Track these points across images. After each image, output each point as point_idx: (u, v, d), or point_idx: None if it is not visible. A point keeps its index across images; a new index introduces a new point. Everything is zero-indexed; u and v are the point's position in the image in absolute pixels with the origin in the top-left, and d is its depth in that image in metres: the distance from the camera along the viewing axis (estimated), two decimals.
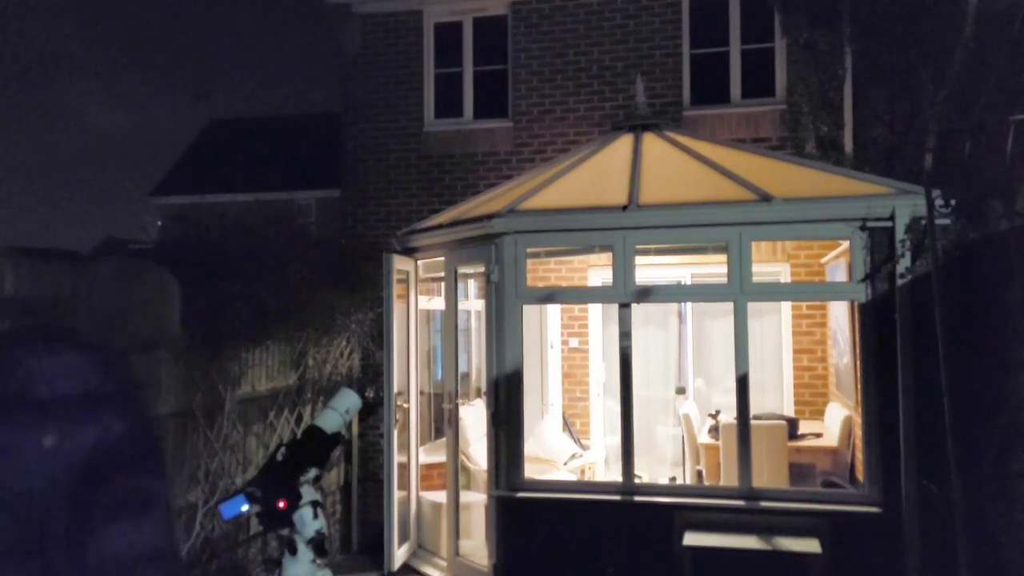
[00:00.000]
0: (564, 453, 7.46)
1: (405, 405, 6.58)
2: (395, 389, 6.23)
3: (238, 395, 5.74)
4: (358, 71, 8.78)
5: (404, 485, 6.61)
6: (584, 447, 7.86)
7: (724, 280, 5.41)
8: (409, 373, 6.67)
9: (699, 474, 7.31)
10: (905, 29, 6.41)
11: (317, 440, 3.02)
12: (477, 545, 6.17)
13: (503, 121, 8.41)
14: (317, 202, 22.25)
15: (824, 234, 5.60)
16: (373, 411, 7.26)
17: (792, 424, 7.00)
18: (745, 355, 5.31)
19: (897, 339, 4.99)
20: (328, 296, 6.44)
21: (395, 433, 6.19)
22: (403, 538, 6.48)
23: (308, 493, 2.95)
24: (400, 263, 6.54)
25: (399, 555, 6.28)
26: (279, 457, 3.01)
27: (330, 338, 6.87)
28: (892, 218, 5.02)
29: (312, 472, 2.99)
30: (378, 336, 6.96)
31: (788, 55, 7.75)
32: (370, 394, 7.12)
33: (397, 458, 6.38)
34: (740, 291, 5.31)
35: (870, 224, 5.09)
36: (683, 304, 8.51)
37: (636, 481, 5.59)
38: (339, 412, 3.12)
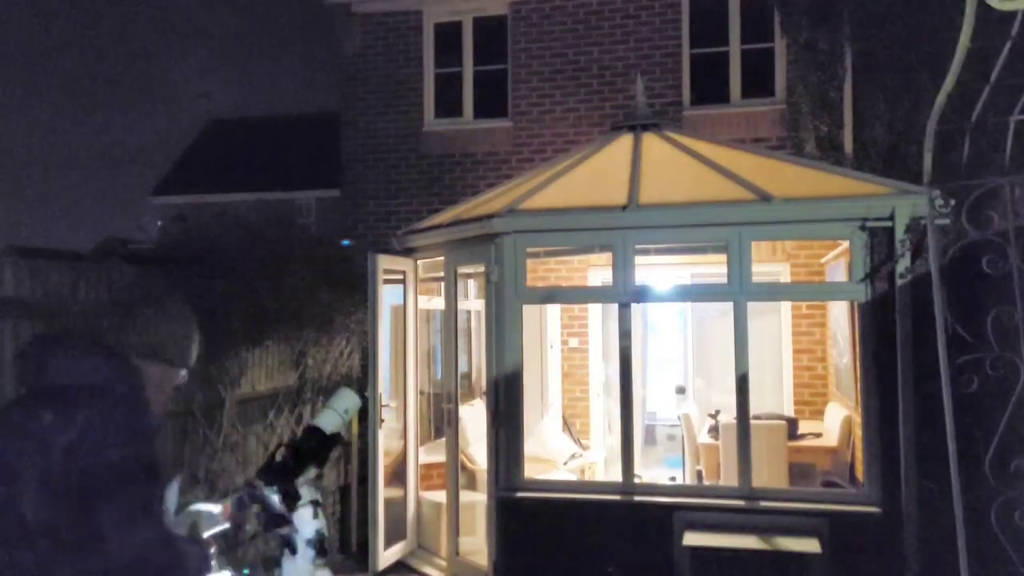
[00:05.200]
0: (564, 453, 7.46)
1: (392, 404, 6.58)
2: (379, 388, 6.21)
3: (238, 395, 5.75)
4: (358, 71, 8.78)
5: (403, 485, 6.61)
6: (584, 447, 7.86)
7: (724, 280, 5.40)
8: (407, 373, 6.67)
9: (699, 474, 7.31)
10: (905, 29, 6.42)
11: (316, 440, 3.02)
12: (477, 545, 6.17)
13: (503, 121, 8.41)
14: (317, 202, 22.27)
15: (824, 234, 5.60)
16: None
17: (792, 424, 7.00)
18: (745, 355, 5.31)
19: (897, 339, 4.98)
20: (328, 296, 6.44)
21: (380, 434, 6.18)
22: (398, 537, 6.48)
23: (308, 493, 2.95)
24: (395, 263, 6.53)
25: (389, 554, 6.27)
26: (278, 457, 3.01)
27: (330, 338, 6.87)
28: (892, 218, 5.02)
29: (312, 472, 2.99)
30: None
31: (788, 55, 7.76)
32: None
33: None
34: (740, 291, 5.30)
35: (870, 224, 5.09)
36: (683, 304, 8.51)
37: (636, 481, 5.58)
38: (338, 412, 3.11)
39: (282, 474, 2.92)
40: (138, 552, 1.96)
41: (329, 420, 3.08)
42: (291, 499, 2.85)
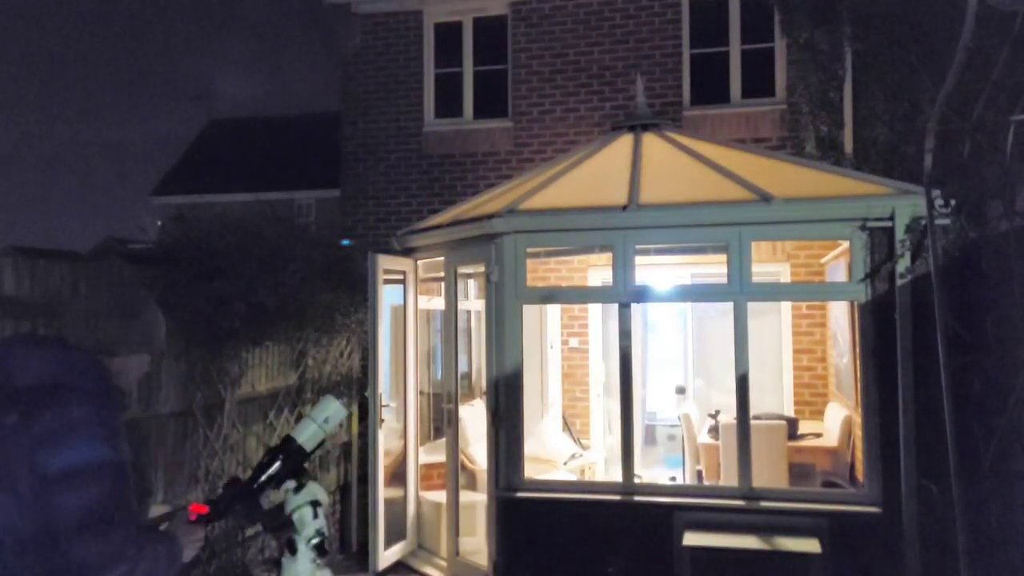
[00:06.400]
0: (564, 453, 7.46)
1: (392, 404, 6.58)
2: (379, 388, 6.20)
3: (238, 395, 5.74)
4: (358, 71, 8.79)
5: (403, 485, 6.61)
6: (584, 447, 7.86)
7: (724, 280, 5.41)
8: (407, 373, 6.67)
9: (699, 474, 7.31)
10: (905, 29, 6.42)
11: (287, 453, 2.90)
12: (477, 545, 6.17)
13: (503, 121, 8.42)
14: (317, 202, 22.26)
15: (824, 234, 5.60)
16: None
17: (792, 424, 7.00)
18: (745, 355, 5.31)
19: (897, 339, 4.99)
20: (328, 296, 6.43)
21: (380, 434, 6.18)
22: (398, 537, 6.48)
23: (308, 492, 2.93)
24: (395, 263, 6.53)
25: (389, 555, 6.27)
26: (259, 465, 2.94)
27: (330, 338, 6.87)
28: (892, 218, 5.02)
29: (291, 484, 2.90)
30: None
31: (788, 55, 7.76)
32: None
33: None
34: (740, 291, 5.30)
35: (870, 224, 5.09)
36: (683, 304, 8.51)
37: (636, 481, 5.58)
38: (317, 422, 2.96)
39: (244, 496, 2.80)
40: (104, 550, 1.95)
41: (305, 430, 2.95)
42: (250, 520, 2.76)
